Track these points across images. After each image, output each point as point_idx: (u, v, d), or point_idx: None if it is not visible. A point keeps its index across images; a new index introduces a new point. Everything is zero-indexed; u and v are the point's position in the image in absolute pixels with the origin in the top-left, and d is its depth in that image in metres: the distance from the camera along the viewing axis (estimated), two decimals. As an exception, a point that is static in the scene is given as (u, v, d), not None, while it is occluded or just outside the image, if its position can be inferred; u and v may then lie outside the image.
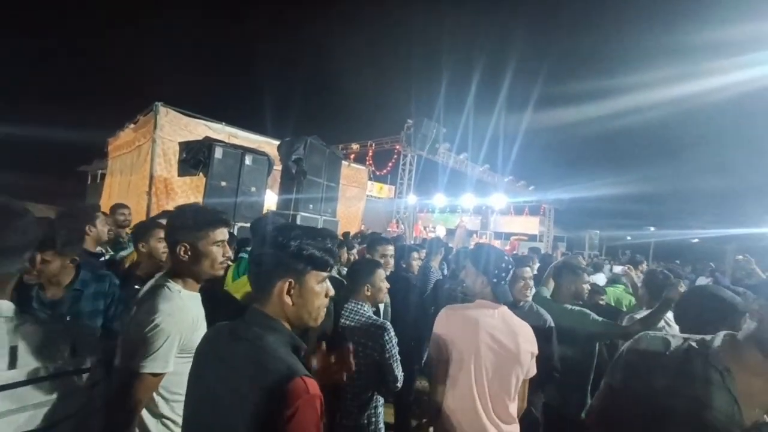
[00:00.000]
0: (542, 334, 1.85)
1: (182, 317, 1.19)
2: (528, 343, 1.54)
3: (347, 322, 1.78)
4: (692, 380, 0.91)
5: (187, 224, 1.25)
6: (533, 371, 1.56)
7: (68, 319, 1.50)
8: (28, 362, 0.75)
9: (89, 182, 15.31)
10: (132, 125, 7.40)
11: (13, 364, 0.73)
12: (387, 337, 1.74)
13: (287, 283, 0.86)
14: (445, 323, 1.61)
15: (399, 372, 1.76)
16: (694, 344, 0.95)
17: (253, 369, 0.77)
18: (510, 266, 1.62)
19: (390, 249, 2.75)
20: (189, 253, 1.24)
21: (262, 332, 0.83)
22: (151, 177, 5.97)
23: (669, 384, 0.93)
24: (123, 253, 2.86)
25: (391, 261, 2.75)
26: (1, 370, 0.72)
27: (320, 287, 0.91)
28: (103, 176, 11.21)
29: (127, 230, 3.60)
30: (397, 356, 1.77)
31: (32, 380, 0.75)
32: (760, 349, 0.84)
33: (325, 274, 0.92)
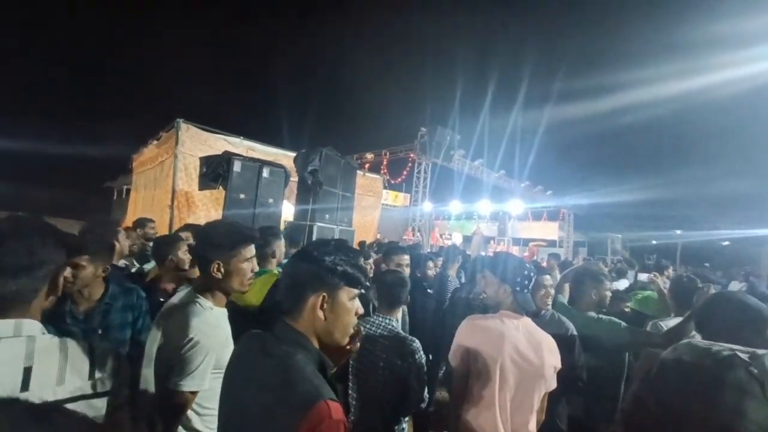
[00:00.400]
0: (565, 343, 1.80)
1: (217, 334, 1.21)
2: (552, 357, 1.50)
3: (374, 337, 1.74)
4: (726, 388, 0.89)
5: (221, 243, 1.27)
6: (554, 384, 1.52)
7: (99, 332, 1.56)
8: (41, 384, 0.71)
9: (114, 197, 15.92)
10: (155, 141, 7.70)
11: (25, 386, 0.69)
12: (417, 356, 1.71)
13: (321, 297, 0.87)
14: (468, 334, 1.56)
15: (425, 392, 1.73)
16: (742, 355, 0.93)
17: (281, 387, 0.78)
18: (532, 273, 1.58)
19: (405, 258, 2.74)
20: (222, 270, 1.26)
21: (292, 350, 0.84)
22: (173, 191, 6.16)
23: (701, 391, 0.92)
24: (147, 266, 2.96)
25: (407, 270, 2.74)
26: (11, 392, 0.68)
27: (351, 304, 0.92)
28: (128, 191, 11.64)
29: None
30: (425, 376, 1.74)
31: (43, 404, 0.71)
32: None
33: (356, 291, 0.93)
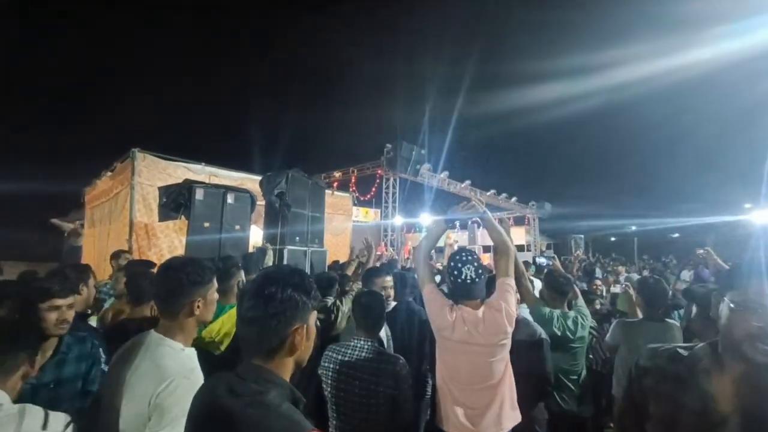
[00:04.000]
0: (533, 347, 1.86)
1: (196, 378, 1.15)
2: (493, 330, 1.61)
3: (360, 362, 1.70)
4: (668, 381, 0.95)
5: (201, 279, 1.26)
6: (504, 354, 1.64)
7: (51, 386, 1.44)
8: None
9: (66, 234, 14.84)
10: (109, 173, 7.32)
11: None
12: (405, 372, 1.70)
13: (304, 328, 0.88)
14: (434, 322, 1.72)
15: (411, 407, 1.73)
16: (681, 351, 0.99)
17: (256, 428, 0.74)
18: (459, 264, 1.70)
19: (389, 280, 2.62)
20: (200, 306, 1.25)
21: (262, 388, 0.80)
22: (131, 223, 5.86)
23: (656, 387, 0.98)
24: (106, 305, 2.77)
25: (391, 292, 2.61)
26: None
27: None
28: (81, 227, 10.88)
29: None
30: (410, 393, 1.73)
31: None
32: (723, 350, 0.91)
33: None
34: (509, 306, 1.60)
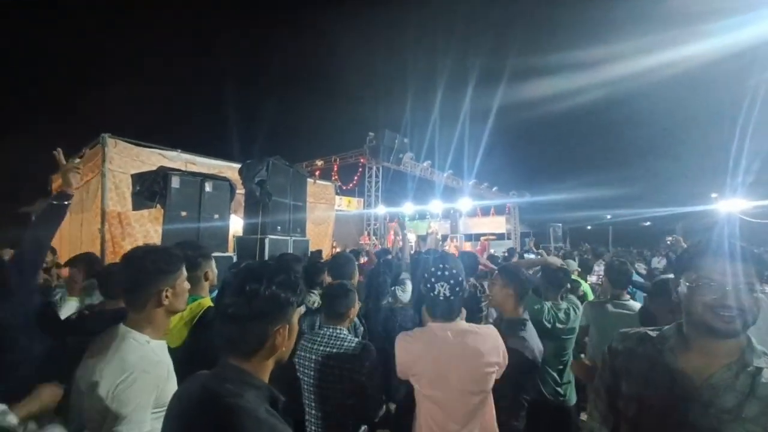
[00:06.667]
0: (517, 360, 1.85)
1: (159, 372, 1.12)
2: (484, 356, 1.45)
3: (328, 349, 1.72)
4: (637, 361, 1.01)
5: (168, 268, 1.22)
6: (493, 379, 1.49)
7: None
8: None
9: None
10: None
11: None
12: (372, 359, 1.71)
13: (285, 328, 0.86)
14: (402, 352, 1.51)
15: (383, 396, 1.76)
16: (651, 333, 1.04)
17: None
18: (438, 281, 1.49)
19: None
20: (169, 295, 1.21)
21: (239, 390, 0.78)
22: (103, 213, 5.62)
23: (625, 368, 1.03)
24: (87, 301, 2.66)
25: None
26: None
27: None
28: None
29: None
30: (380, 380, 1.75)
31: None
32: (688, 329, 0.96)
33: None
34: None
